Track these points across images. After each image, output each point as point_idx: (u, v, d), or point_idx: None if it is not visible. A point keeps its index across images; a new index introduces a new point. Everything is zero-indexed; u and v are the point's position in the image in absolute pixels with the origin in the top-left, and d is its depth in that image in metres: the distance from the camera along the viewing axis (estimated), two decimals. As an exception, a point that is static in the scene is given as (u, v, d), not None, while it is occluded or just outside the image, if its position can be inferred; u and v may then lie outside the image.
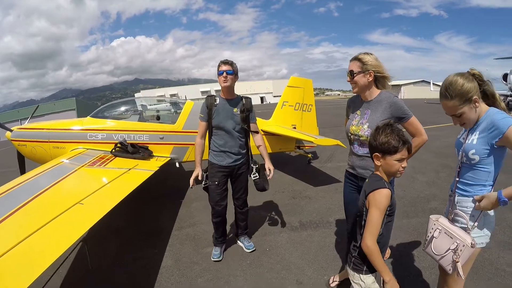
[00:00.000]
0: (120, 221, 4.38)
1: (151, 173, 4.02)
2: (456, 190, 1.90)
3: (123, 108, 5.69)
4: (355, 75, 2.32)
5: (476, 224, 1.78)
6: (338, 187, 5.74)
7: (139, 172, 3.97)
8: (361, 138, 2.34)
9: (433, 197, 4.98)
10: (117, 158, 4.43)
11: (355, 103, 2.50)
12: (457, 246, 1.74)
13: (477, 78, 1.75)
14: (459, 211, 1.86)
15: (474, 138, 1.77)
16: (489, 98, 1.82)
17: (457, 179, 1.90)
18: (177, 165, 5.24)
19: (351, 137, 2.43)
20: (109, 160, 4.23)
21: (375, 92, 2.38)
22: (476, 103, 1.73)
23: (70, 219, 2.44)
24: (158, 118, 5.50)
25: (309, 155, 7.38)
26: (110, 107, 5.53)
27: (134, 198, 3.82)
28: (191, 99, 7.20)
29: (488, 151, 1.72)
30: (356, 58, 2.33)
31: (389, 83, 2.43)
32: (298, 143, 6.64)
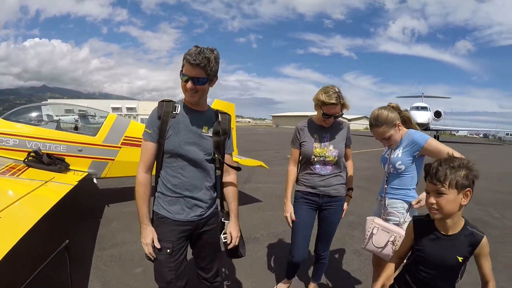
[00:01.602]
0: (31, 241, 3.76)
1: (70, 187, 3.60)
2: (386, 195, 2.38)
3: (40, 113, 5.04)
4: (339, 116, 2.49)
5: (406, 220, 2.24)
6: (259, 206, 6.17)
7: (57, 185, 3.54)
8: (327, 159, 2.51)
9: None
10: (30, 168, 3.87)
11: (308, 129, 2.61)
12: (394, 238, 2.15)
13: (396, 109, 2.35)
14: (392, 211, 2.32)
15: (399, 153, 2.30)
16: (406, 122, 2.43)
17: (386, 186, 2.40)
18: (95, 181, 4.82)
19: (314, 159, 2.53)
20: (21, 171, 3.67)
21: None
22: (399, 127, 2.29)
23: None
24: (76, 128, 5.02)
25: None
26: (26, 110, 4.87)
27: (44, 215, 3.38)
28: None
29: (411, 160, 2.26)
30: (342, 103, 2.41)
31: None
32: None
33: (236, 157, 5.99)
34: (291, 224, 2.62)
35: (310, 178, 2.58)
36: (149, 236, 1.82)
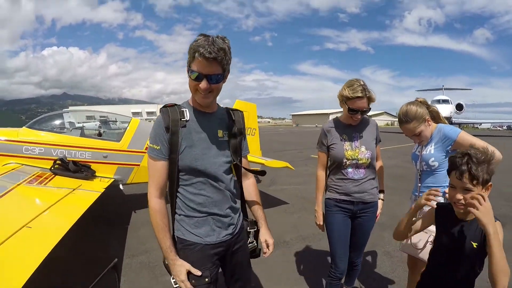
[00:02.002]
0: (62, 249, 3.78)
1: (97, 194, 3.59)
2: (420, 194, 2.26)
3: (63, 121, 5.10)
4: (367, 111, 2.29)
5: None
6: (286, 208, 6.04)
7: (85, 193, 3.53)
8: (360, 162, 2.30)
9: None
10: (57, 176, 3.89)
11: (335, 130, 2.40)
12: (432, 238, 2.02)
13: (424, 103, 2.31)
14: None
15: (431, 149, 2.26)
16: (435, 118, 2.38)
17: (419, 184, 2.33)
18: (121, 187, 4.82)
19: (346, 162, 2.31)
20: (48, 179, 3.70)
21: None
22: (429, 122, 2.27)
23: (20, 245, 2.03)
24: (99, 134, 5.05)
25: (253, 178, 7.37)
26: (49, 118, 4.94)
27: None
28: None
29: (444, 156, 2.20)
30: (368, 96, 2.22)
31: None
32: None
33: (261, 159, 5.89)
34: (323, 229, 2.50)
35: (343, 184, 2.36)
36: (182, 272, 1.49)
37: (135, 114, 63.99)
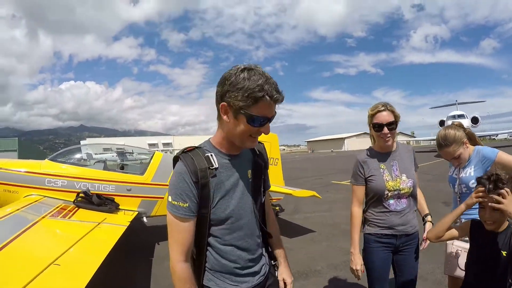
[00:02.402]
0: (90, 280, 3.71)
1: (123, 228, 3.52)
2: (462, 216, 2.11)
3: (85, 154, 5.14)
4: (397, 124, 2.17)
5: None
6: (313, 236, 5.85)
7: (110, 227, 3.46)
8: (402, 192, 2.16)
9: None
10: (80, 209, 3.86)
11: (371, 159, 2.25)
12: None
13: (460, 127, 2.36)
14: None
15: (470, 171, 2.30)
16: (471, 139, 2.40)
17: None
18: (145, 219, 4.75)
19: (388, 194, 2.15)
20: (71, 212, 3.66)
21: (394, 142, 2.27)
22: (467, 144, 2.31)
23: (49, 285, 1.92)
24: (122, 167, 5.05)
25: (277, 208, 7.21)
26: (71, 152, 5.03)
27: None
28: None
29: None
30: (390, 109, 2.15)
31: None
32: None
33: (288, 189, 5.80)
34: (360, 277, 2.19)
35: (386, 218, 2.17)
36: None
37: (151, 145, 64.63)
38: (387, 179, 2.15)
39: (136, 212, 4.54)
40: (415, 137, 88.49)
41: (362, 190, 2.24)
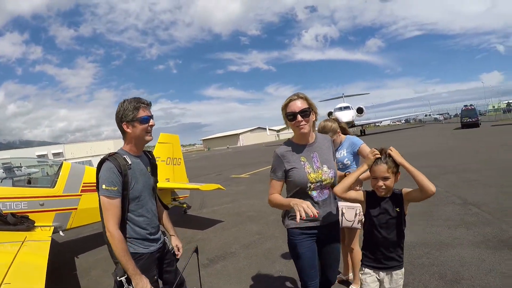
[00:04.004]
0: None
1: (48, 242, 3.55)
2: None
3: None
4: (311, 112, 2.15)
5: None
6: (222, 225, 6.53)
7: (36, 243, 3.51)
8: (324, 183, 2.16)
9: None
10: None
11: (291, 152, 2.21)
12: (358, 210, 2.80)
13: (336, 120, 3.21)
14: None
15: (343, 153, 3.13)
16: (343, 130, 3.26)
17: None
18: (62, 233, 4.73)
19: (311, 186, 2.14)
20: (-15, 236, 3.45)
21: (313, 134, 2.28)
22: (339, 133, 3.15)
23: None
24: (29, 182, 4.88)
25: (185, 205, 7.61)
26: None
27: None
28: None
29: (352, 157, 3.13)
30: (302, 97, 2.15)
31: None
32: (173, 195, 6.94)
33: (194, 184, 6.31)
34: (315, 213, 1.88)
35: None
36: (147, 283, 1.92)
37: (41, 156, 56.00)
38: (309, 171, 2.14)
39: (52, 227, 4.52)
40: None
41: (280, 185, 2.22)
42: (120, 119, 2.04)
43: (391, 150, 2.01)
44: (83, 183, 4.93)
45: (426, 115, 62.75)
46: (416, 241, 4.28)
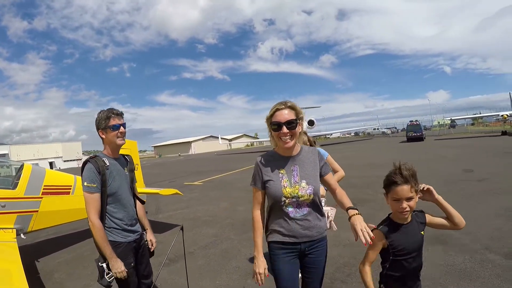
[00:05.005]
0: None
1: (15, 243, 3.72)
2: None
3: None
4: (298, 123, 2.03)
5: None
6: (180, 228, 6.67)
7: (4, 244, 3.63)
8: (300, 199, 2.02)
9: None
10: None
11: (271, 163, 2.12)
12: (329, 213, 3.09)
13: (305, 134, 3.30)
14: None
15: None
16: (310, 142, 3.37)
17: None
18: (23, 236, 4.78)
19: (286, 201, 2.03)
20: None
21: (298, 146, 2.17)
22: (308, 145, 3.26)
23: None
24: None
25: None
26: None
27: None
28: None
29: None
30: (290, 106, 2.03)
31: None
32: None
33: (154, 189, 6.58)
34: (262, 283, 2.04)
35: (286, 225, 2.06)
36: (122, 265, 2.30)
37: None
38: (285, 185, 2.03)
39: (14, 229, 4.58)
40: (258, 138, 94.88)
41: (261, 194, 2.15)
42: (97, 127, 2.49)
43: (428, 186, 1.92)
44: (44, 186, 4.98)
45: (374, 129, 66.02)
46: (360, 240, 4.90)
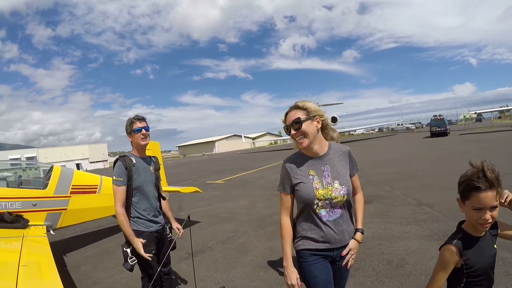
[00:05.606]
0: None
1: (45, 238, 3.97)
2: None
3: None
4: (303, 122, 1.90)
5: None
6: (200, 225, 7.07)
7: (36, 238, 3.92)
8: (334, 201, 1.91)
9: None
10: None
11: (299, 165, 1.99)
12: None
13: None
14: None
15: None
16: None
17: None
18: (52, 232, 5.10)
19: (319, 203, 1.91)
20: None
21: (325, 144, 2.03)
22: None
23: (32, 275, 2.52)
24: (20, 183, 5.23)
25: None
26: None
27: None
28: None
29: None
30: (296, 107, 1.96)
31: (335, 133, 2.18)
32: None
33: (175, 187, 6.81)
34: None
35: (319, 231, 1.95)
36: (141, 245, 2.61)
37: (14, 159, 53.90)
38: (317, 187, 1.92)
39: (45, 226, 4.90)
40: (282, 136, 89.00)
41: (290, 199, 2.02)
42: (126, 132, 2.91)
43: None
44: (72, 185, 5.31)
45: (398, 124, 64.88)
46: (371, 235, 4.93)
